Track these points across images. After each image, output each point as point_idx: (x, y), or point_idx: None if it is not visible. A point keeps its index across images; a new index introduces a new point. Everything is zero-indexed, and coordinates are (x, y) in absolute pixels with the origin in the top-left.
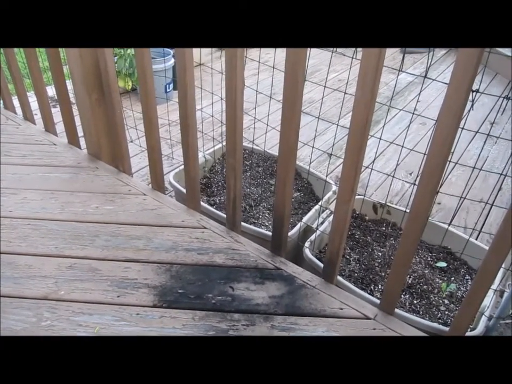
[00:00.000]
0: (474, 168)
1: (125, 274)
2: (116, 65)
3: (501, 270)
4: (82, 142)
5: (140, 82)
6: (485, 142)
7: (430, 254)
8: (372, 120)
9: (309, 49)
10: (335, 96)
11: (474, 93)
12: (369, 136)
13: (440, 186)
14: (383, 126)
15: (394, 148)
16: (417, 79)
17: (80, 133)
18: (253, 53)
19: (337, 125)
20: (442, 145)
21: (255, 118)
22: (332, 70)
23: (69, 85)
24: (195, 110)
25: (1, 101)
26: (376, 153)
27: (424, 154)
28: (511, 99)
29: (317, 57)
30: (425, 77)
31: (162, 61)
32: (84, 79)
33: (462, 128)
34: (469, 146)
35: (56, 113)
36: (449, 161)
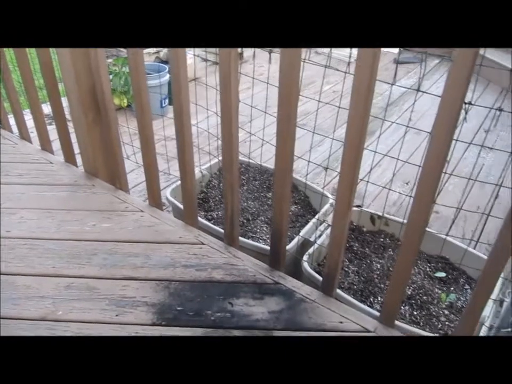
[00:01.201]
0: (469, 179)
1: (123, 292)
2: (111, 83)
3: (501, 280)
4: (78, 159)
5: (135, 99)
6: (479, 152)
7: (428, 264)
8: (366, 133)
9: (302, 62)
10: (330, 107)
11: (468, 106)
12: (364, 149)
13: (437, 196)
14: (378, 137)
15: (390, 158)
16: (413, 88)
17: (76, 150)
18: (246, 66)
19: (332, 138)
20: (437, 157)
21: (250, 132)
22: (326, 81)
23: (64, 101)
24: (190, 126)
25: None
26: (372, 164)
27: (419, 166)
28: (502, 110)
29: (310, 69)
30: (417, 90)
31: (158, 76)
32: (80, 99)
33: (456, 140)
34: (464, 154)
35: (52, 130)
36: (445, 173)
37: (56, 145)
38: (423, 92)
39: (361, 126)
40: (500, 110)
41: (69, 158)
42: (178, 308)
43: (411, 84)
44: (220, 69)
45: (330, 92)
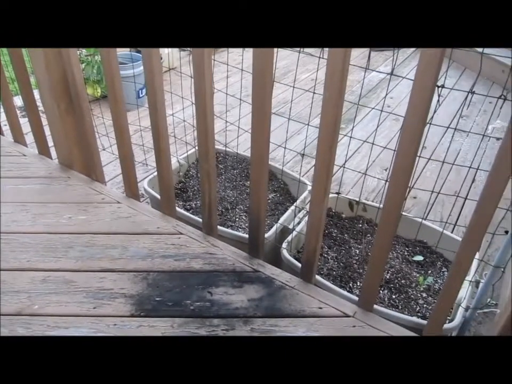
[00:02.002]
0: (443, 162)
1: (100, 284)
2: (84, 72)
3: (476, 262)
4: (53, 151)
5: (108, 89)
6: (452, 136)
7: (406, 249)
8: (341, 120)
9: (276, 50)
10: (309, 95)
11: (440, 89)
12: (343, 136)
13: (415, 181)
14: (352, 126)
15: (369, 145)
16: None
17: (50, 142)
18: (224, 55)
19: (308, 125)
20: (411, 142)
21: (226, 121)
22: (305, 69)
23: (37, 94)
24: (165, 115)
25: None
26: (347, 152)
27: (394, 151)
28: (474, 93)
29: (288, 58)
30: (391, 74)
31: (131, 66)
32: (51, 88)
33: (430, 124)
34: (442, 140)
35: (25, 123)
36: (419, 156)
37: (29, 138)
38: (397, 76)
39: (336, 112)
40: (472, 92)
41: (43, 150)
42: (157, 299)
43: (388, 70)
44: (193, 58)
45: (308, 79)
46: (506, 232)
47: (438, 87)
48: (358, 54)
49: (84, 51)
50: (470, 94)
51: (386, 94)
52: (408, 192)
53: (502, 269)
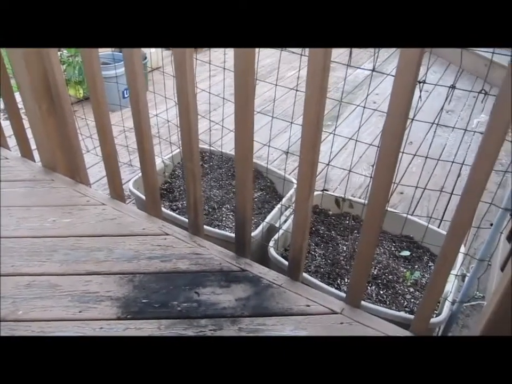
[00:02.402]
0: (427, 157)
1: (86, 288)
2: (65, 73)
3: (462, 255)
4: (36, 154)
5: (90, 90)
6: (435, 131)
7: (393, 244)
8: (323, 118)
9: (257, 49)
10: (295, 93)
11: (422, 84)
12: (328, 133)
13: (402, 177)
14: (336, 123)
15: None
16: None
17: (33, 145)
18: (208, 54)
19: (291, 123)
20: (393, 137)
21: (209, 119)
22: (290, 67)
23: (18, 97)
24: (148, 116)
25: None
26: (331, 149)
27: (377, 147)
28: (455, 88)
29: (274, 55)
30: (373, 70)
31: (114, 67)
32: (32, 90)
33: (412, 119)
34: (427, 136)
35: (7, 126)
36: (403, 152)
37: (12, 141)
38: (380, 73)
39: (318, 109)
40: (453, 87)
41: (26, 153)
42: (144, 301)
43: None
44: (175, 57)
45: (294, 77)
46: (491, 225)
47: (419, 82)
48: (343, 51)
49: (65, 52)
50: (451, 89)
51: (370, 91)
52: (395, 188)
53: (489, 262)
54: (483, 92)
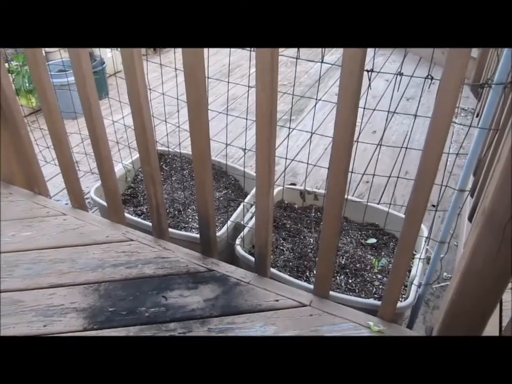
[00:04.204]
0: (380, 145)
1: (50, 301)
2: (14, 83)
3: (424, 239)
4: None
5: (40, 98)
6: (390, 118)
7: (359, 233)
8: (276, 112)
9: (206, 49)
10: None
11: (370, 73)
12: (292, 129)
13: (367, 166)
14: (299, 117)
15: (320, 133)
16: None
17: None
18: (170, 55)
19: (246, 119)
20: (345, 127)
21: (165, 121)
22: (253, 64)
23: None
24: (102, 121)
25: None
26: (296, 143)
27: (331, 137)
28: (403, 74)
29: (236, 53)
30: (321, 62)
31: (65, 75)
32: None
33: (364, 108)
34: (390, 124)
35: None
36: (356, 141)
37: None
38: (327, 63)
39: (271, 103)
40: (401, 74)
41: None
42: (111, 309)
43: (334, 60)
44: (123, 59)
45: None
46: (433, 206)
47: (368, 71)
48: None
49: (13, 61)
50: (398, 75)
51: (332, 84)
52: (361, 178)
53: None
54: (429, 77)
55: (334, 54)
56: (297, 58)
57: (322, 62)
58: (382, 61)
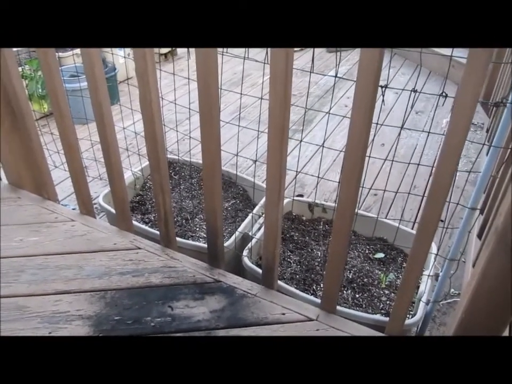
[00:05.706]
0: (392, 160)
1: (55, 308)
2: (27, 88)
3: (433, 256)
4: (1, 172)
5: (52, 104)
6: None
7: (367, 247)
8: (289, 123)
9: (221, 55)
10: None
11: (383, 89)
12: (299, 141)
13: (375, 179)
14: (309, 128)
15: (329, 144)
16: (345, 75)
17: None
18: (182, 62)
19: (258, 130)
20: (358, 141)
21: (176, 130)
22: (264, 73)
23: None
24: (113, 127)
25: None
26: (303, 153)
27: (341, 151)
28: (416, 91)
29: (246, 62)
30: (335, 76)
31: (77, 80)
32: None
33: (377, 123)
34: (399, 137)
35: None
36: (369, 156)
37: None
38: (340, 78)
39: (283, 114)
40: (415, 91)
41: None
42: (116, 318)
43: (343, 71)
44: (136, 65)
45: (267, 83)
46: (442, 221)
47: (382, 87)
48: (316, 54)
49: (26, 66)
50: (413, 92)
51: (342, 95)
52: (368, 192)
53: (463, 260)
54: (443, 94)
55: (344, 66)
56: (311, 72)
57: (336, 76)
58: (392, 73)
